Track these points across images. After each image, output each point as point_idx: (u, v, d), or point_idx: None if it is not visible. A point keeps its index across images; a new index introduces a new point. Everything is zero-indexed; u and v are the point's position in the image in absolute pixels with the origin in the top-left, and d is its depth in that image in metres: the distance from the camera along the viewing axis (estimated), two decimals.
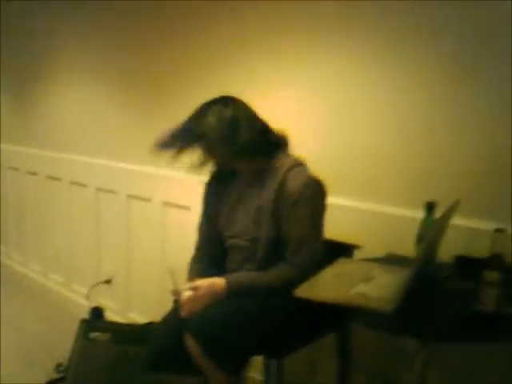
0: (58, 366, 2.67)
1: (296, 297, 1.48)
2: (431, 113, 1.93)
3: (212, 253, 1.96)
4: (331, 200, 1.98)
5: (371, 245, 1.99)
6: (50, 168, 3.95)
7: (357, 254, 2.00)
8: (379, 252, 1.91)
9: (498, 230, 1.38)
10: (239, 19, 2.54)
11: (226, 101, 1.82)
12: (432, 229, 1.31)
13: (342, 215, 2.12)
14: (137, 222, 3.22)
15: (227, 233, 1.91)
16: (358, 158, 2.16)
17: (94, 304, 2.92)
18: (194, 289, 1.75)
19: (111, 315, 3.24)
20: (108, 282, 3.43)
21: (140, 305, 3.23)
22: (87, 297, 3.17)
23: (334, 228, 1.99)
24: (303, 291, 1.49)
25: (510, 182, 1.72)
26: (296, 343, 1.84)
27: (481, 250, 1.52)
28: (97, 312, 2.82)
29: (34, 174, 4.13)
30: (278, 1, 2.35)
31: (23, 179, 4.27)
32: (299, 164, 1.83)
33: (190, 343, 1.63)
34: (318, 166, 1.86)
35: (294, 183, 1.76)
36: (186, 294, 1.74)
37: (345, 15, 2.13)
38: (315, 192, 1.79)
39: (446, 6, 1.85)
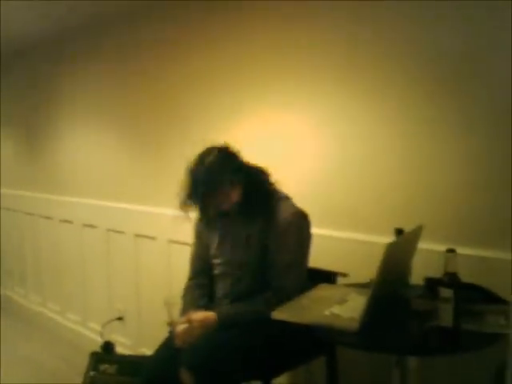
0: None
1: (279, 321, 1.62)
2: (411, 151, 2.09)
3: (203, 282, 2.13)
4: (319, 231, 2.15)
5: (357, 272, 2.12)
6: (62, 212, 4.17)
7: (342, 281, 2.14)
8: (364, 278, 2.05)
9: (450, 250, 1.52)
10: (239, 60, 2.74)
11: (219, 149, 2.00)
12: (389, 253, 1.45)
13: (328, 245, 2.28)
14: (144, 260, 3.40)
15: (217, 261, 2.08)
16: (343, 192, 2.32)
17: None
18: (189, 321, 1.90)
19: (124, 350, 3.39)
20: (120, 318, 3.60)
21: (150, 339, 3.33)
22: (101, 333, 3.33)
23: (320, 257, 2.16)
24: (280, 313, 1.64)
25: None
26: (283, 366, 1.97)
27: None
28: (108, 346, 2.98)
29: (48, 218, 4.35)
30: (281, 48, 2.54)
31: (38, 223, 4.49)
32: (286, 198, 2.01)
33: (185, 377, 1.78)
34: (306, 199, 2.03)
35: (282, 214, 1.93)
36: (181, 326, 1.90)
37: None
38: (301, 222, 1.96)
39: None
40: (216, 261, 2.09)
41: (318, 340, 1.73)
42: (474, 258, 1.85)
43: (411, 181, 2.08)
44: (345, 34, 2.24)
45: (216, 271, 2.10)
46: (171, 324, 1.93)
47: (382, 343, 1.50)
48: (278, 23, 2.51)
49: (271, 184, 2.05)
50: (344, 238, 2.27)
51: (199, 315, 1.92)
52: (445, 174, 1.99)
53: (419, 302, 1.69)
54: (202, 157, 1.96)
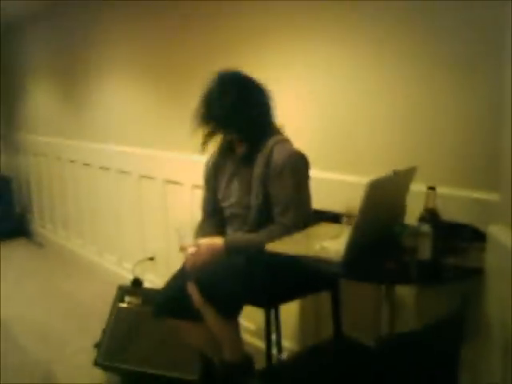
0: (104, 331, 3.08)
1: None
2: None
3: (214, 222, 2.28)
4: (326, 174, 2.23)
5: None
6: (100, 159, 4.40)
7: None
8: None
9: (430, 188, 1.60)
10: (250, 19, 2.82)
11: (235, 80, 2.12)
12: (372, 190, 1.54)
13: (335, 188, 2.38)
14: (172, 205, 3.59)
15: (225, 204, 2.22)
16: (347, 138, 2.40)
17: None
18: (197, 246, 2.07)
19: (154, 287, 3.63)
20: (151, 259, 3.83)
21: None
22: (133, 271, 3.57)
23: (327, 199, 2.27)
24: (273, 246, 1.77)
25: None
26: (284, 296, 2.12)
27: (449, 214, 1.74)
28: (136, 281, 3.20)
29: (87, 165, 4.60)
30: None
31: (78, 170, 4.76)
32: (284, 140, 2.11)
33: (192, 291, 1.95)
34: (314, 145, 2.10)
35: (279, 156, 2.04)
36: (191, 249, 2.07)
37: (344, 15, 2.35)
38: (297, 163, 2.07)
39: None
40: (224, 204, 2.24)
41: (313, 272, 1.85)
42: (468, 199, 1.91)
43: (408, 127, 2.14)
44: None
45: (225, 213, 2.25)
46: (182, 249, 2.10)
47: (363, 273, 1.61)
48: None
49: (272, 126, 2.14)
50: (349, 182, 2.35)
51: (207, 240, 2.09)
52: (440, 121, 2.04)
53: (408, 239, 1.78)
54: (217, 82, 2.09)
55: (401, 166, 1.88)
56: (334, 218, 2.21)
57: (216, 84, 2.09)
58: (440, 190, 1.71)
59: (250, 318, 2.78)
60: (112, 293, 2.93)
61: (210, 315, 1.96)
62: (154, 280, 3.74)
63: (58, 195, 5.27)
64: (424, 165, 1.94)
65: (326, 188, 2.35)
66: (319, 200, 2.22)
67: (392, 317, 1.85)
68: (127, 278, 3.91)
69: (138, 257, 3.84)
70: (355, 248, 1.61)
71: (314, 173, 2.19)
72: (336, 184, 2.39)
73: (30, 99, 5.73)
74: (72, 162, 4.87)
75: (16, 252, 5.33)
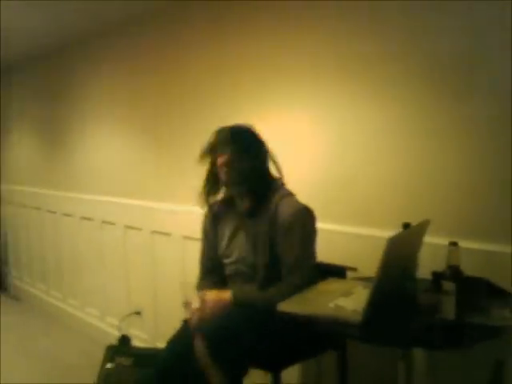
0: None
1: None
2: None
3: (215, 280, 2.16)
4: (328, 226, 2.18)
5: (366, 267, 2.13)
6: (82, 209, 4.26)
7: (351, 276, 2.16)
8: (373, 273, 2.07)
9: (452, 244, 1.53)
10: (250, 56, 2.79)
11: (248, 132, 2.07)
12: (391, 246, 1.47)
13: (338, 240, 2.31)
14: (160, 256, 3.46)
15: (228, 260, 2.11)
16: (352, 187, 2.34)
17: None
18: (203, 300, 1.95)
19: (141, 344, 3.46)
20: (137, 313, 3.66)
21: (167, 334, 3.37)
22: (119, 328, 3.39)
23: (330, 252, 2.19)
24: (286, 306, 1.67)
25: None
26: (291, 358, 2.01)
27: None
28: (124, 339, 3.04)
29: (68, 215, 4.45)
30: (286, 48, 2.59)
31: (60, 221, 4.59)
32: (289, 194, 2.04)
33: (198, 344, 1.83)
34: (316, 195, 2.03)
35: (285, 211, 1.96)
36: (196, 304, 1.95)
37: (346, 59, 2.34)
38: (305, 218, 1.99)
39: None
40: (226, 260, 2.13)
41: (325, 333, 1.75)
42: (479, 252, 1.85)
43: (416, 177, 2.10)
44: (345, 30, 2.28)
45: (227, 271, 2.14)
46: (186, 304, 1.98)
47: (384, 336, 1.52)
48: (282, 23, 2.56)
49: (277, 181, 2.08)
50: (353, 233, 2.28)
51: (213, 293, 1.98)
52: (449, 171, 2.00)
53: (425, 296, 1.70)
54: (223, 130, 2.05)
55: (404, 217, 1.84)
56: (336, 271, 2.14)
57: (229, 133, 2.03)
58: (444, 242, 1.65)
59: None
60: (95, 350, 2.76)
61: (214, 376, 1.83)
62: (141, 335, 3.57)
63: (36, 246, 5.07)
64: (428, 216, 1.88)
65: (327, 240, 2.27)
66: (320, 253, 2.14)
67: (408, 380, 1.75)
68: (111, 333, 3.74)
69: (122, 311, 3.67)
70: (374, 308, 1.52)
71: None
72: (337, 236, 2.32)
73: (7, 148, 5.59)
74: (51, 212, 4.72)
75: None
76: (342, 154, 2.37)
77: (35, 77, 4.90)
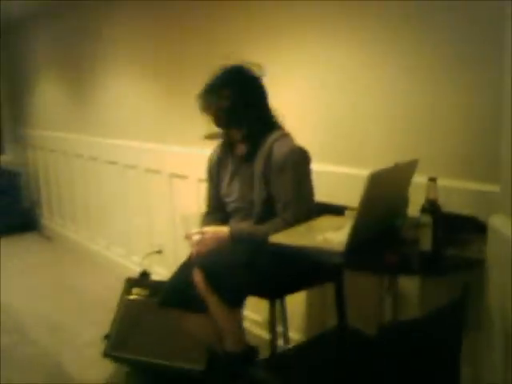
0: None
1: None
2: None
3: (218, 215, 2.31)
4: (330, 167, 2.26)
5: None
6: (107, 153, 4.44)
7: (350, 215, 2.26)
8: None
9: (431, 179, 1.62)
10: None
11: (236, 76, 2.15)
12: (372, 182, 1.56)
13: (337, 181, 2.40)
14: (178, 198, 3.62)
15: (228, 199, 2.25)
16: (348, 129, 2.41)
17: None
18: (203, 233, 2.10)
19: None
20: (159, 252, 3.86)
21: None
22: (140, 264, 3.61)
23: (331, 192, 2.29)
24: (276, 238, 1.80)
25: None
26: (288, 287, 2.15)
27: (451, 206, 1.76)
28: (143, 274, 3.24)
29: (94, 159, 4.64)
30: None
31: (86, 164, 4.80)
32: (284, 135, 2.13)
33: (198, 278, 1.99)
34: (315, 138, 2.12)
35: (279, 151, 2.06)
36: (196, 237, 2.10)
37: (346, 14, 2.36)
38: (298, 158, 2.09)
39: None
40: (227, 199, 2.27)
41: (314, 263, 1.87)
42: (470, 191, 1.92)
43: (412, 119, 2.16)
44: None
45: (228, 209, 2.28)
46: (187, 236, 2.13)
47: (364, 264, 1.63)
48: None
49: (273, 120, 2.16)
50: (351, 174, 2.36)
51: (212, 228, 2.13)
52: (443, 112, 2.05)
53: (410, 230, 1.80)
54: (221, 71, 2.13)
55: (403, 158, 1.90)
56: (336, 210, 2.23)
57: (218, 79, 2.12)
58: (442, 182, 1.72)
59: (258, 310, 2.82)
60: (120, 285, 2.97)
61: (213, 303, 1.99)
62: (162, 272, 3.77)
63: (65, 189, 5.32)
64: (426, 157, 1.95)
65: (328, 181, 2.37)
66: (321, 193, 2.24)
67: (395, 307, 1.88)
68: (135, 270, 3.95)
69: (145, 250, 3.88)
70: (357, 238, 1.63)
71: (315, 166, 2.20)
72: (338, 177, 2.41)
73: (37, 95, 5.77)
74: (79, 156, 4.91)
75: (25, 246, 5.39)
76: (337, 99, 2.44)
77: (62, 25, 4.99)
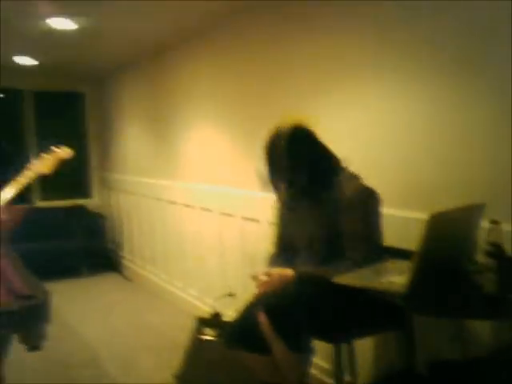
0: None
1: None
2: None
3: (285, 256, 2.36)
4: (399, 211, 2.29)
5: None
6: (185, 197, 4.64)
7: None
8: None
9: (494, 222, 1.60)
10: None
11: (300, 136, 2.23)
12: (432, 224, 1.56)
13: (406, 225, 2.39)
14: (250, 241, 3.71)
15: (295, 239, 2.30)
16: (415, 172, 2.42)
17: None
18: (268, 275, 2.16)
19: None
20: (231, 295, 3.93)
21: None
22: (212, 306, 3.69)
23: (397, 236, 2.29)
24: (342, 279, 1.82)
25: None
26: (354, 332, 2.14)
27: None
28: (215, 315, 3.31)
29: (173, 202, 4.85)
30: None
31: (165, 208, 5.03)
32: (352, 176, 2.17)
33: (262, 320, 2.03)
34: (382, 181, 2.16)
35: (348, 191, 2.10)
36: (262, 278, 2.16)
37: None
38: (368, 197, 2.12)
39: None
40: (294, 239, 2.32)
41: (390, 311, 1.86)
42: None
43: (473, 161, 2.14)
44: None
45: (295, 249, 2.32)
46: (254, 277, 2.19)
47: (428, 307, 1.62)
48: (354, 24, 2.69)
49: (338, 163, 2.21)
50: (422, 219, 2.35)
51: (278, 270, 2.18)
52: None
53: (475, 274, 1.77)
54: (279, 135, 2.21)
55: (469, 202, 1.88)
56: (404, 255, 2.22)
57: (280, 140, 2.21)
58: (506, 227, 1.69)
59: (327, 357, 2.80)
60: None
61: (277, 347, 2.02)
62: (233, 315, 3.83)
63: (146, 232, 5.57)
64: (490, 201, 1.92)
65: (396, 224, 2.36)
66: (389, 237, 2.24)
67: (463, 351, 1.83)
68: (208, 312, 4.05)
69: (218, 292, 3.96)
70: (418, 281, 1.63)
71: (383, 209, 2.21)
72: (406, 221, 2.40)
73: (122, 142, 6.17)
74: (159, 199, 5.16)
75: (106, 285, 5.67)
76: (404, 142, 2.46)
77: (147, 77, 5.37)
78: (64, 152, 2.10)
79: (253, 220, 3.64)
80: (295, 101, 3.16)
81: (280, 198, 2.41)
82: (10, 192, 1.97)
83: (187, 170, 4.65)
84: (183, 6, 3.45)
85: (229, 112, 3.98)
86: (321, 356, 2.79)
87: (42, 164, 2.04)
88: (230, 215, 3.94)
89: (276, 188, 2.30)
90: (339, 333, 2.11)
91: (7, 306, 2.46)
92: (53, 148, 2.07)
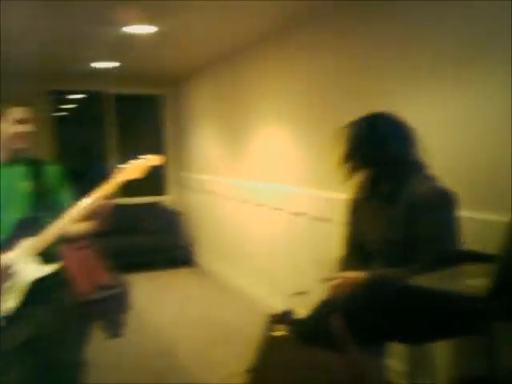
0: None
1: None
2: None
3: (357, 257, 2.34)
4: (479, 214, 2.25)
5: None
6: (255, 196, 4.71)
7: None
8: None
9: None
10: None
11: (381, 120, 2.21)
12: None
13: (487, 228, 2.32)
14: (321, 241, 3.72)
15: (367, 240, 2.28)
16: (495, 174, 2.36)
17: None
18: (342, 278, 2.16)
19: None
20: (302, 293, 3.95)
21: None
22: (283, 304, 3.73)
23: (478, 240, 2.23)
24: (417, 281, 1.80)
25: None
26: (429, 334, 2.09)
27: None
28: (287, 312, 3.34)
29: (245, 201, 4.93)
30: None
31: (236, 207, 5.13)
32: (428, 177, 2.12)
33: (336, 323, 2.04)
34: (459, 183, 2.13)
35: (424, 192, 2.05)
36: (336, 281, 2.17)
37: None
38: (443, 199, 2.04)
39: None
40: (366, 239, 2.29)
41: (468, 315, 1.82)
42: None
43: None
44: None
45: (367, 249, 2.30)
46: (326, 280, 2.20)
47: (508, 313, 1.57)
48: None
49: (418, 162, 2.17)
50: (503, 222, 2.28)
51: (351, 273, 2.17)
52: None
53: None
54: (363, 121, 2.19)
55: None
56: (484, 258, 2.15)
57: (363, 123, 2.19)
58: None
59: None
60: (263, 322, 3.09)
61: (352, 349, 2.02)
62: (303, 314, 3.85)
63: (218, 229, 5.70)
64: None
65: (476, 227, 2.31)
66: (469, 240, 2.18)
67: None
68: (278, 309, 4.09)
69: (289, 291, 3.99)
70: (499, 284, 1.59)
71: (461, 212, 2.16)
72: (487, 223, 2.34)
73: (195, 142, 6.34)
74: (231, 198, 5.26)
75: (182, 279, 5.84)
76: (487, 139, 2.40)
77: (219, 79, 5.49)
78: (156, 159, 2.22)
79: (324, 219, 3.64)
80: (367, 101, 3.14)
81: (354, 194, 2.39)
82: (105, 191, 2.10)
83: (258, 169, 4.71)
84: (259, 8, 3.52)
85: (299, 113, 4.00)
86: (396, 358, 2.76)
87: (136, 169, 2.16)
88: (300, 214, 3.96)
89: (352, 175, 2.27)
90: (413, 334, 2.07)
91: (91, 295, 2.61)
92: (146, 156, 2.19)
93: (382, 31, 3.06)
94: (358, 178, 2.27)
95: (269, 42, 4.30)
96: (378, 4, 3.04)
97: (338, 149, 2.22)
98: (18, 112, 2.12)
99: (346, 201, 2.45)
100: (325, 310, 2.15)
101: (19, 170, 2.17)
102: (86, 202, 2.08)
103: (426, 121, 2.68)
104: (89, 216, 2.10)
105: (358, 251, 2.36)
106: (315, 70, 3.75)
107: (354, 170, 2.20)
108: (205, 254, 6.14)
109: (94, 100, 6.63)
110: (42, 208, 2.13)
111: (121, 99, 6.65)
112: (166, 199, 6.94)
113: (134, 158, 2.23)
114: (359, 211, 2.35)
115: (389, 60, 3.00)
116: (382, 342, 2.04)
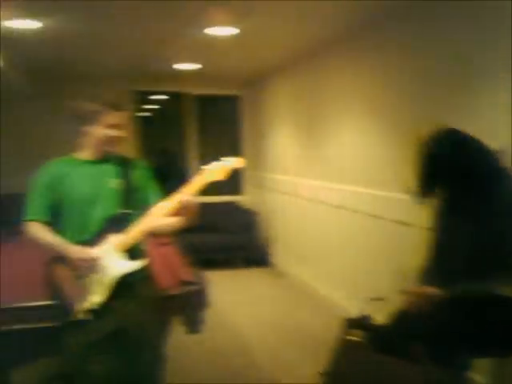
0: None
1: None
2: None
3: (439, 269, 2.25)
4: None
5: None
6: (334, 197, 4.67)
7: None
8: None
9: None
10: None
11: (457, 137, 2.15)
12: None
13: None
14: (402, 246, 3.62)
15: (449, 250, 2.19)
16: None
17: None
18: (419, 293, 2.11)
19: None
20: (379, 299, 3.87)
21: None
22: (361, 308, 3.67)
23: None
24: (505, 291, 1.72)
25: None
26: None
27: None
28: (364, 317, 3.29)
29: (323, 202, 4.91)
30: None
31: (314, 208, 5.11)
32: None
33: (416, 350, 2.00)
34: None
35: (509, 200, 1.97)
36: (413, 295, 2.11)
37: None
38: None
39: None
40: (448, 250, 2.21)
41: None
42: None
43: None
44: None
45: (449, 260, 2.21)
46: (404, 292, 2.14)
47: None
48: None
49: (500, 171, 2.07)
50: None
51: (428, 288, 2.10)
52: None
53: None
54: (438, 141, 2.13)
55: None
56: None
57: (438, 145, 2.13)
58: None
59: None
60: (339, 326, 3.06)
61: (426, 360, 1.97)
62: (381, 320, 3.77)
63: (295, 230, 5.70)
64: None
65: None
66: None
67: None
68: (355, 314, 4.03)
69: (366, 295, 3.93)
70: None
71: None
72: None
73: (271, 143, 6.38)
74: (308, 199, 5.25)
75: (258, 279, 5.89)
76: None
77: (296, 79, 5.50)
78: (238, 162, 2.26)
79: (404, 224, 3.55)
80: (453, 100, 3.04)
81: (435, 207, 2.32)
82: (190, 190, 2.17)
83: (337, 170, 4.67)
84: (336, 9, 3.52)
85: (378, 114, 3.93)
86: (480, 372, 2.66)
87: (219, 171, 2.21)
88: (379, 218, 3.89)
89: (428, 195, 2.22)
90: (498, 348, 1.99)
91: (173, 291, 2.69)
92: (228, 158, 2.24)
93: (461, 31, 2.96)
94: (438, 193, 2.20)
95: (344, 42, 4.27)
96: (454, 5, 2.95)
97: (416, 159, 2.17)
98: (113, 117, 2.20)
99: (429, 208, 2.37)
100: (404, 321, 2.10)
101: (109, 168, 2.26)
102: (172, 201, 2.14)
103: None
104: (175, 214, 2.17)
105: (440, 264, 2.27)
106: (391, 70, 3.68)
107: (435, 188, 2.15)
108: (283, 254, 6.16)
109: (175, 101, 6.82)
110: (131, 205, 2.21)
111: (200, 100, 6.80)
112: (242, 199, 7.03)
113: (216, 159, 2.27)
114: (440, 220, 2.27)
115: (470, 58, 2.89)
116: (467, 356, 1.96)
